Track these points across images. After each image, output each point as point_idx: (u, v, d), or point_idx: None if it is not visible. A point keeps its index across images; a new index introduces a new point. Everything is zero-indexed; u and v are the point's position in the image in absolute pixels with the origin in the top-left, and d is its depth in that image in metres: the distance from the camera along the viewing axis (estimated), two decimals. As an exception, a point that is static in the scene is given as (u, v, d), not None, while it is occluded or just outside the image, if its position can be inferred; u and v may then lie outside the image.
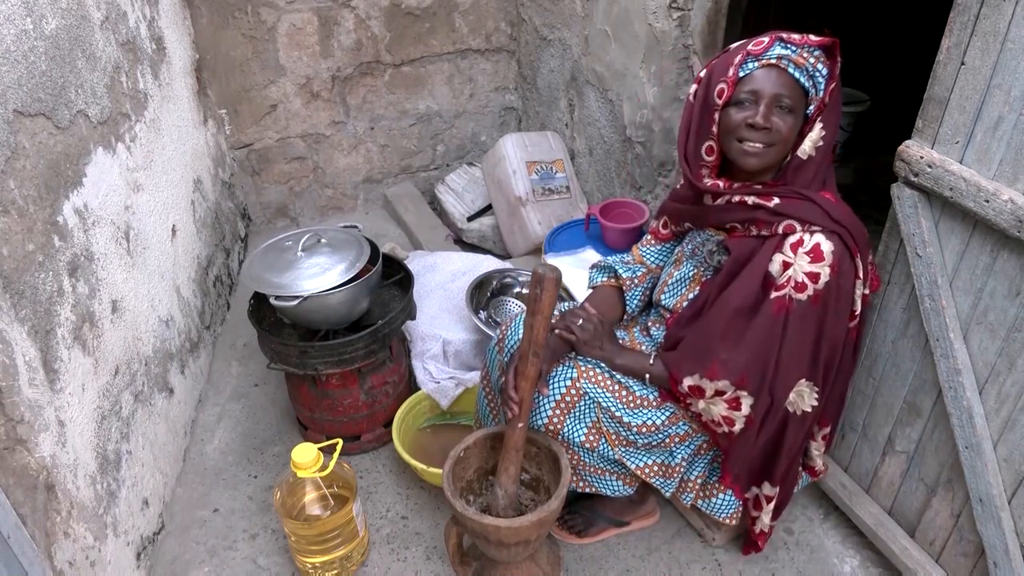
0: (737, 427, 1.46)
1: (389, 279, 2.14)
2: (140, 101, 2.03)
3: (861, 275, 1.41)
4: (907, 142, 1.42)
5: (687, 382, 1.46)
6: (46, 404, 1.36)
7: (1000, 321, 1.32)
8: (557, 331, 1.58)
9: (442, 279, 2.48)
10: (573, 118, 2.99)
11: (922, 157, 1.37)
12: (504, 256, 2.90)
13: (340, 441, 1.70)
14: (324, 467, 1.63)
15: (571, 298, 2.32)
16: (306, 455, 1.59)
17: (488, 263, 2.56)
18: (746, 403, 1.43)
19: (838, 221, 1.37)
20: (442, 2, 3.04)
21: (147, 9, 2.17)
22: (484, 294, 2.39)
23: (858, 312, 1.45)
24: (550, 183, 2.87)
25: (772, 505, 1.62)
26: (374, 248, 2.01)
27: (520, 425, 1.51)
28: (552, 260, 2.50)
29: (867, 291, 1.46)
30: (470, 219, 3.05)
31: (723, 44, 2.25)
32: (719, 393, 1.43)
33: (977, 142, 1.28)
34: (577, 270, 2.33)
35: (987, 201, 1.25)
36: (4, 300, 1.26)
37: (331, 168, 3.21)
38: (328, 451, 1.66)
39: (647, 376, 1.54)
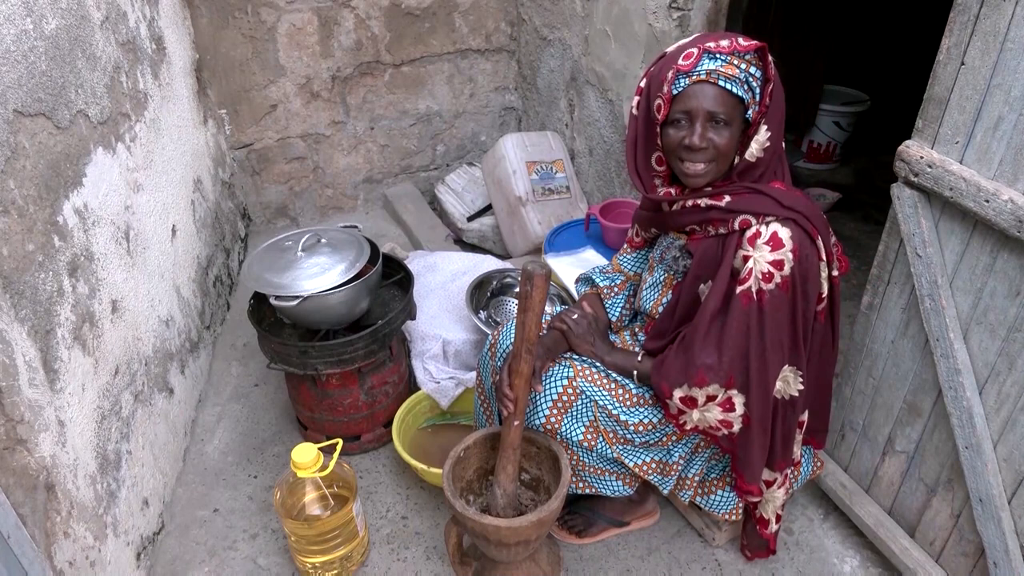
0: (736, 428, 1.46)
1: (389, 279, 2.14)
2: (140, 101, 2.03)
3: (824, 257, 1.41)
4: (907, 142, 1.42)
5: (677, 394, 1.46)
6: (46, 404, 1.36)
7: (1000, 321, 1.32)
8: (553, 325, 1.62)
9: (442, 279, 2.48)
10: (573, 118, 2.99)
11: (922, 157, 1.37)
12: (504, 256, 2.90)
13: (340, 441, 1.70)
14: (324, 467, 1.63)
15: (572, 298, 2.32)
16: (306, 455, 1.59)
17: (488, 263, 2.56)
18: (738, 401, 1.43)
19: (791, 207, 1.37)
20: (442, 2, 3.04)
21: (147, 9, 2.17)
22: (484, 294, 2.39)
23: (825, 294, 1.45)
24: (550, 183, 2.87)
25: (777, 490, 1.60)
26: (374, 248, 2.01)
27: (516, 423, 1.51)
28: (552, 260, 2.50)
29: (836, 273, 1.46)
30: (470, 219, 3.05)
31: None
32: (711, 398, 1.43)
33: (977, 142, 1.28)
34: (577, 270, 2.32)
35: (987, 201, 1.25)
36: (4, 300, 1.26)
37: (331, 168, 3.21)
38: (328, 451, 1.66)
39: (635, 373, 1.56)
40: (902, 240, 1.48)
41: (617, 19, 2.50)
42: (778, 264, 1.35)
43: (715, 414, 1.45)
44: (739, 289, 1.39)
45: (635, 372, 1.56)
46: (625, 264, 1.76)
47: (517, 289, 2.46)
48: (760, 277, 1.36)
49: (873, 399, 1.68)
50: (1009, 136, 1.22)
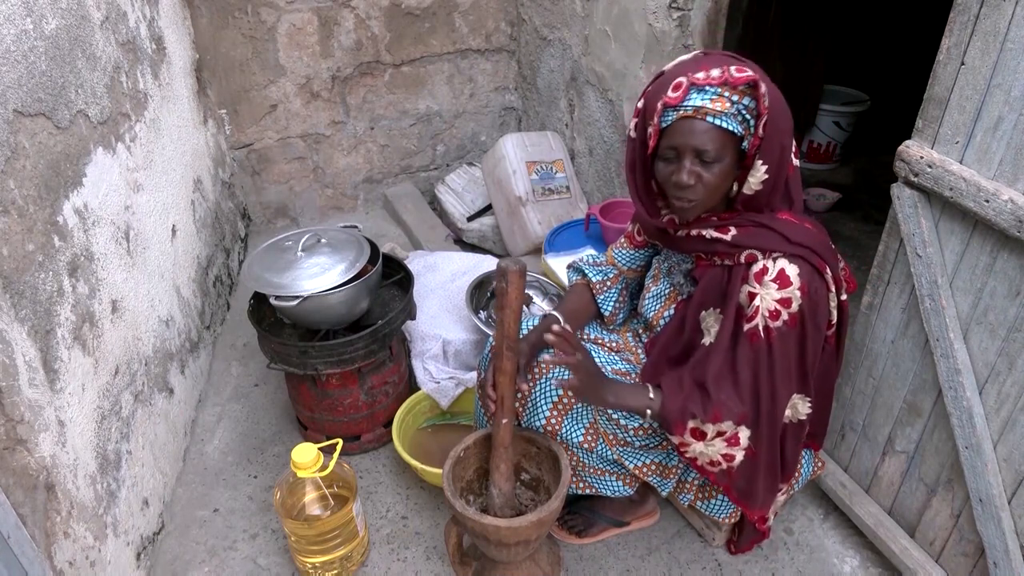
0: (736, 461, 1.43)
1: (389, 279, 2.14)
2: (140, 101, 2.03)
3: (833, 288, 1.39)
4: (907, 142, 1.42)
5: (690, 425, 1.41)
6: (46, 404, 1.36)
7: (1000, 321, 1.32)
8: (568, 384, 1.43)
9: (442, 279, 2.49)
10: (573, 118, 2.99)
11: (922, 157, 1.37)
12: (504, 256, 2.90)
13: (340, 441, 1.70)
14: (324, 467, 1.63)
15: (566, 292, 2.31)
16: (306, 455, 1.59)
17: (488, 263, 2.56)
18: (744, 436, 1.41)
19: (799, 243, 1.33)
20: (442, 2, 3.04)
21: (147, 9, 2.17)
22: (484, 294, 2.39)
23: (835, 321, 1.44)
24: (550, 183, 2.87)
25: (780, 496, 1.63)
26: (374, 248, 2.01)
27: (504, 421, 1.50)
28: (552, 260, 2.50)
29: (844, 297, 1.45)
30: (470, 219, 3.05)
31: (723, 44, 2.25)
32: (720, 434, 1.40)
33: (977, 142, 1.28)
34: (577, 270, 2.32)
35: (987, 201, 1.25)
36: (4, 300, 1.26)
37: (331, 168, 3.21)
38: (328, 451, 1.66)
39: (648, 413, 1.45)
40: (902, 240, 1.48)
41: (617, 19, 2.50)
42: (786, 302, 1.32)
43: (719, 448, 1.42)
44: (747, 327, 1.36)
45: (648, 411, 1.45)
46: (620, 259, 1.74)
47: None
48: (767, 315, 1.34)
49: (873, 399, 1.68)
50: (1009, 136, 1.22)
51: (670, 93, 1.26)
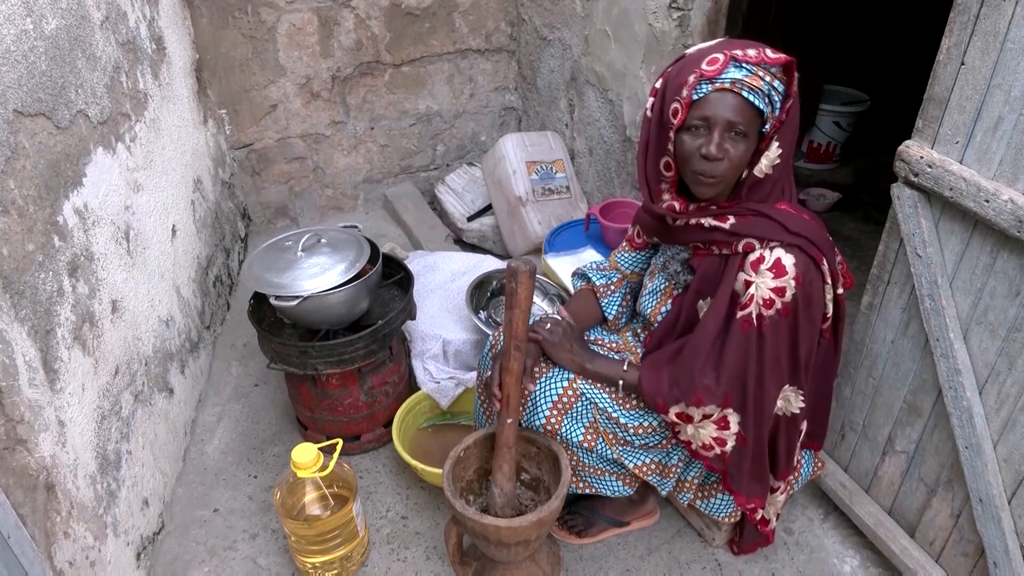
0: (729, 446, 1.45)
1: (389, 279, 2.14)
2: (140, 101, 2.03)
3: (829, 280, 1.40)
4: (907, 142, 1.42)
5: (674, 410, 1.45)
6: (46, 404, 1.36)
7: (1000, 321, 1.32)
8: (528, 337, 1.55)
9: (442, 279, 2.49)
10: (573, 118, 2.99)
11: (922, 157, 1.37)
12: (504, 256, 2.90)
13: (340, 441, 1.70)
14: (324, 467, 1.63)
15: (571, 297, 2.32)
16: (306, 455, 1.59)
17: (488, 263, 2.56)
18: (734, 420, 1.43)
19: (796, 233, 1.34)
20: (442, 2, 3.04)
21: (147, 9, 2.17)
22: (484, 294, 2.39)
23: (830, 314, 1.44)
24: (550, 183, 2.87)
25: (779, 495, 1.64)
26: (374, 248, 2.01)
27: (509, 421, 1.51)
28: (552, 260, 2.50)
29: (841, 291, 1.45)
30: (470, 219, 3.05)
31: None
32: (707, 416, 1.43)
33: (977, 142, 1.28)
34: (577, 270, 2.32)
35: (987, 201, 1.25)
36: (4, 300, 1.26)
37: (331, 168, 3.21)
38: (328, 451, 1.66)
39: (620, 383, 1.53)
40: (902, 240, 1.48)
41: (617, 19, 2.50)
42: (780, 291, 1.34)
43: (710, 431, 1.44)
44: (740, 314, 1.37)
45: (621, 382, 1.53)
46: (623, 262, 1.75)
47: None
48: (761, 303, 1.35)
49: (873, 399, 1.68)
50: (1009, 136, 1.22)
51: (706, 67, 1.28)
